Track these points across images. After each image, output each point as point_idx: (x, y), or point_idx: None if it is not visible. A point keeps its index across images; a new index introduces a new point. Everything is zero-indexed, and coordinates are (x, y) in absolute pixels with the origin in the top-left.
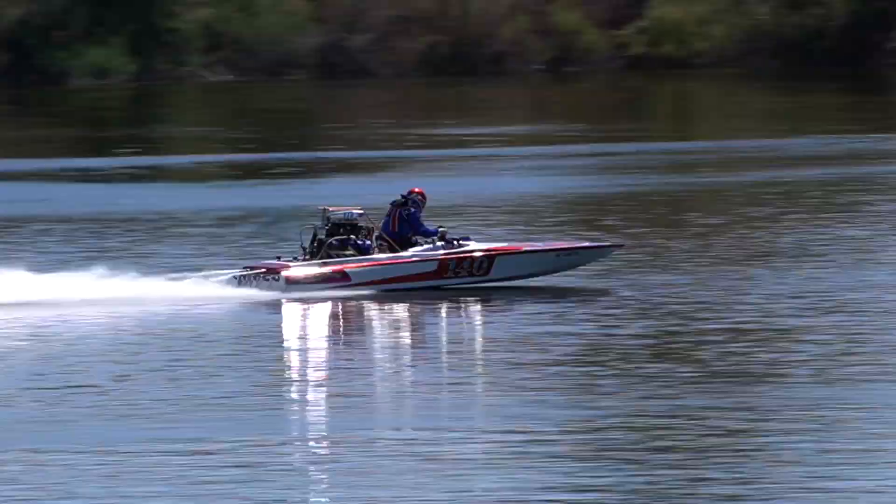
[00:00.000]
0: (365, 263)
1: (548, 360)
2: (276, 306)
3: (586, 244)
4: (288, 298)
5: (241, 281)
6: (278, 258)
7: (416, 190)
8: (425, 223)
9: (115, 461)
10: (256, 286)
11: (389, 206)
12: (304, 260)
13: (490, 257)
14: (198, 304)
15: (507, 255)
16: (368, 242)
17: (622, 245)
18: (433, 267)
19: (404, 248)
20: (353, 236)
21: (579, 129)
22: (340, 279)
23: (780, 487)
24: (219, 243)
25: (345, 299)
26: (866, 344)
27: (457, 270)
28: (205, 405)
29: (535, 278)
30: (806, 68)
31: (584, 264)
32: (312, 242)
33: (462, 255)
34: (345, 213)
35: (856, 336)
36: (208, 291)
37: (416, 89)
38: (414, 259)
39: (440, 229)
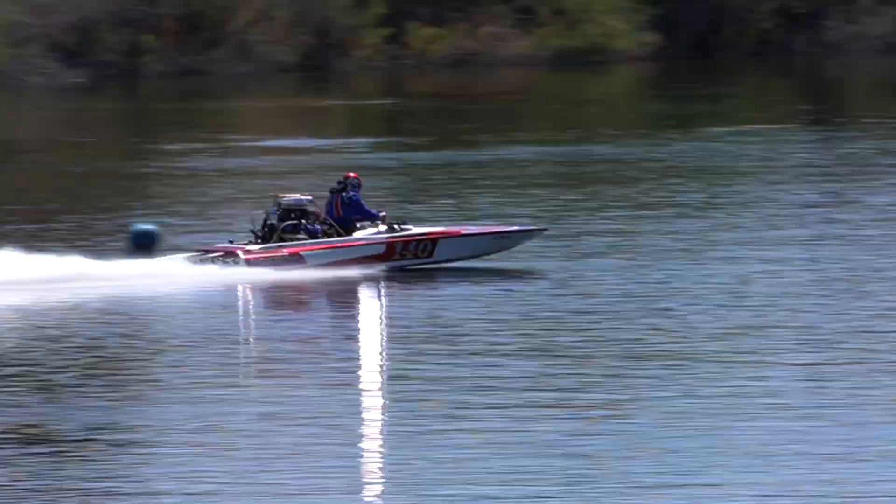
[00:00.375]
0: (318, 246)
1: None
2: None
3: (518, 228)
4: (243, 280)
5: (200, 263)
6: (231, 241)
7: (352, 174)
8: (368, 207)
9: None
10: (220, 267)
11: (329, 194)
12: (255, 243)
13: (433, 240)
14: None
15: (449, 238)
16: (318, 226)
17: (546, 229)
18: (382, 249)
19: (349, 232)
20: (303, 221)
21: None
22: (296, 261)
23: None
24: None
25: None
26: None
27: (403, 252)
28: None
29: (470, 260)
30: None
31: (514, 247)
32: (263, 227)
33: (408, 238)
34: (295, 199)
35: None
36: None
37: None
38: (364, 242)
39: (381, 213)
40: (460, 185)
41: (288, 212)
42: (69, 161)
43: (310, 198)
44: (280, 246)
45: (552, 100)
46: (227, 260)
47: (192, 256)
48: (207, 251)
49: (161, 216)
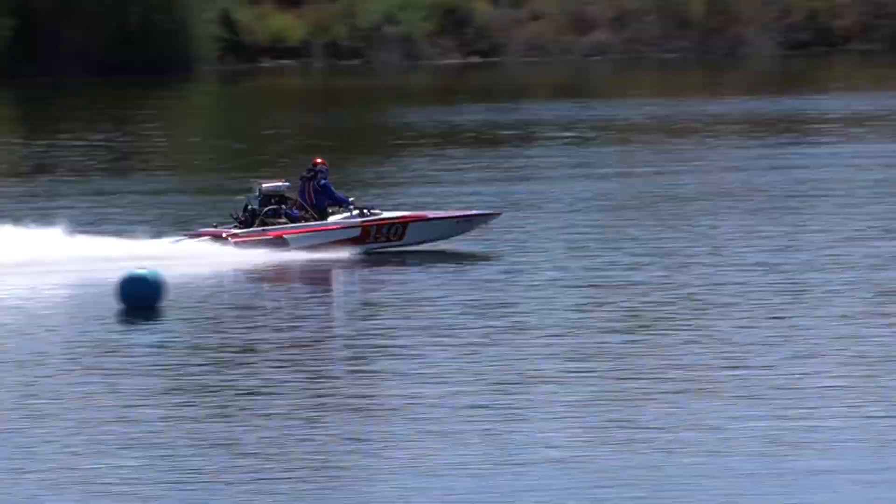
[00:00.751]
0: (300, 230)
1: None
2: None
3: (477, 212)
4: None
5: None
6: (215, 226)
7: (319, 161)
8: (338, 193)
9: None
10: (205, 250)
11: (300, 181)
12: (237, 227)
13: (404, 224)
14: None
15: (418, 222)
16: (296, 211)
17: (500, 213)
18: (358, 233)
19: (323, 217)
20: (282, 206)
21: None
22: (280, 244)
23: None
24: None
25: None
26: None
27: (377, 236)
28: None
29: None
30: None
31: (472, 230)
32: (244, 211)
33: (381, 222)
34: (274, 186)
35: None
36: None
37: None
38: (341, 226)
39: (350, 199)
40: None
41: (268, 198)
42: None
43: (287, 184)
44: (264, 230)
45: None
46: (214, 243)
47: (177, 241)
48: (193, 235)
49: None
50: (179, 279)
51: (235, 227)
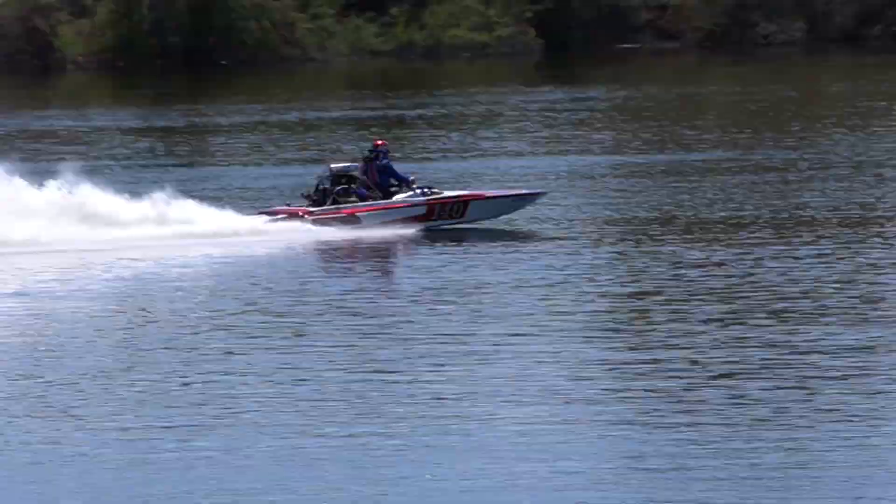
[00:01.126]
0: (370, 208)
1: None
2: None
3: (527, 191)
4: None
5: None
6: (288, 204)
7: (380, 142)
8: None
9: None
10: (283, 227)
11: (362, 162)
12: (309, 206)
13: (465, 202)
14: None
15: (478, 201)
16: (364, 190)
17: (546, 192)
18: (423, 211)
19: (386, 196)
20: (351, 185)
21: None
22: (353, 221)
23: None
24: None
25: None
26: None
27: (440, 213)
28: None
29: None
30: None
31: (524, 208)
32: (316, 190)
33: (444, 201)
34: (344, 166)
35: None
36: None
37: None
38: (408, 203)
39: (411, 177)
40: None
41: (338, 177)
42: None
43: (357, 164)
44: (338, 208)
45: None
46: (292, 221)
47: (254, 217)
48: (270, 213)
49: None
50: (257, 254)
51: (308, 205)
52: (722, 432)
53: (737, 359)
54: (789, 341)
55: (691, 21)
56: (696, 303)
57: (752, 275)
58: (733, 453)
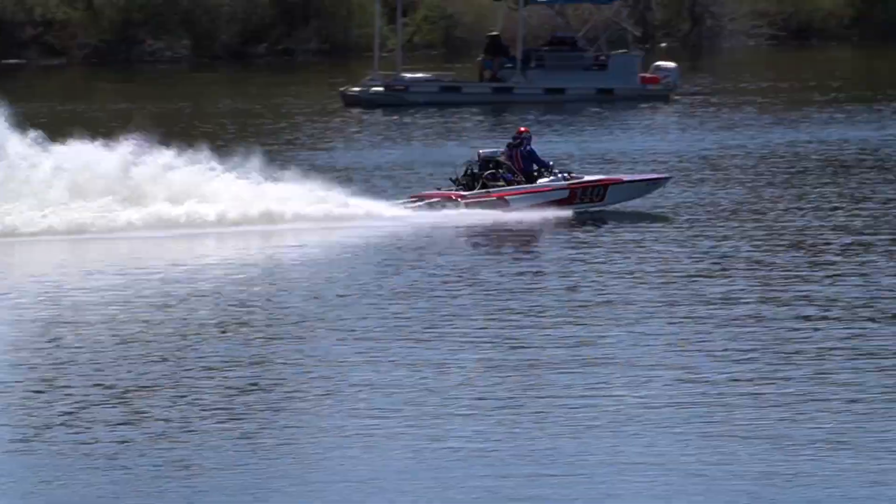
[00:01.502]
0: (518, 192)
1: None
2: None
3: (658, 175)
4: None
5: (429, 206)
6: (439, 188)
7: (523, 129)
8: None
9: None
10: (437, 211)
11: (507, 149)
12: (458, 189)
13: (605, 186)
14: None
15: (617, 185)
16: (510, 175)
17: (672, 177)
18: (566, 194)
19: (530, 180)
20: (499, 170)
21: None
22: (502, 204)
23: None
24: None
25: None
26: None
27: (582, 197)
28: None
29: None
30: None
31: (654, 192)
32: (465, 175)
33: (585, 185)
34: (491, 152)
35: None
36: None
37: None
38: (553, 188)
39: (551, 163)
40: None
41: (486, 162)
42: None
43: (502, 150)
44: (488, 191)
45: None
46: (446, 204)
47: (406, 202)
48: (423, 197)
49: None
50: (410, 235)
51: (457, 189)
52: None
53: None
54: None
55: (77, 37)
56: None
57: None
58: None
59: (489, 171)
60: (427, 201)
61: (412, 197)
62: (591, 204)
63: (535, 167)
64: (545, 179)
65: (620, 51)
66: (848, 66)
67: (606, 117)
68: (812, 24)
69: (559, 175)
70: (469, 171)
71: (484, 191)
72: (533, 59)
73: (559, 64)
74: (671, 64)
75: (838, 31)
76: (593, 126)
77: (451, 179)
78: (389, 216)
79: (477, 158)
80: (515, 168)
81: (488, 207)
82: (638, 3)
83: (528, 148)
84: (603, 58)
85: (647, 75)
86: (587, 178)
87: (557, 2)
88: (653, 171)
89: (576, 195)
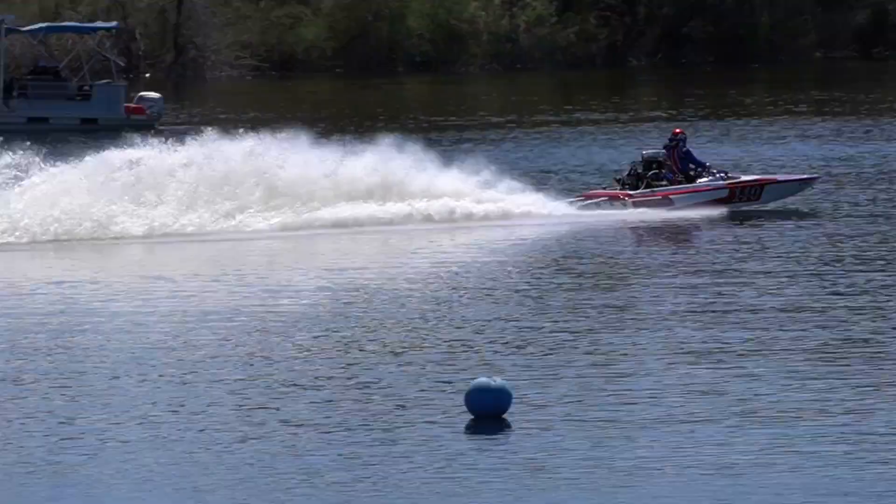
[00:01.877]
0: (681, 191)
1: None
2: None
3: (808, 175)
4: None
5: (598, 206)
6: (604, 188)
7: (678, 131)
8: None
9: None
10: (604, 209)
11: (664, 150)
12: (622, 189)
13: (761, 185)
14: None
15: (772, 184)
16: (671, 175)
17: (819, 177)
18: (726, 193)
19: (688, 180)
20: (662, 170)
21: None
22: (667, 203)
23: None
24: None
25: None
26: None
27: (740, 196)
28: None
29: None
30: None
31: (801, 192)
32: (629, 174)
33: (743, 184)
34: (654, 152)
35: None
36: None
37: None
38: (713, 187)
39: (707, 163)
40: None
41: (650, 163)
42: None
43: (664, 151)
44: (653, 190)
45: None
46: (613, 203)
47: (573, 201)
48: (591, 196)
49: None
50: (580, 234)
51: (620, 189)
52: None
53: None
54: None
55: None
56: None
57: None
58: None
59: (653, 172)
60: (595, 200)
61: (579, 196)
62: (748, 202)
63: (692, 167)
64: (703, 179)
65: (105, 81)
66: (330, 96)
67: (90, 146)
68: (295, 56)
69: (717, 174)
70: (633, 171)
71: (649, 190)
72: (15, 88)
73: (42, 93)
74: (155, 94)
75: (321, 63)
76: (74, 156)
77: (615, 179)
78: (560, 214)
79: (640, 159)
80: (675, 168)
81: (654, 206)
82: (122, 34)
83: (684, 149)
84: (87, 87)
85: (132, 105)
86: (744, 177)
87: (40, 32)
88: (802, 171)
89: (734, 194)
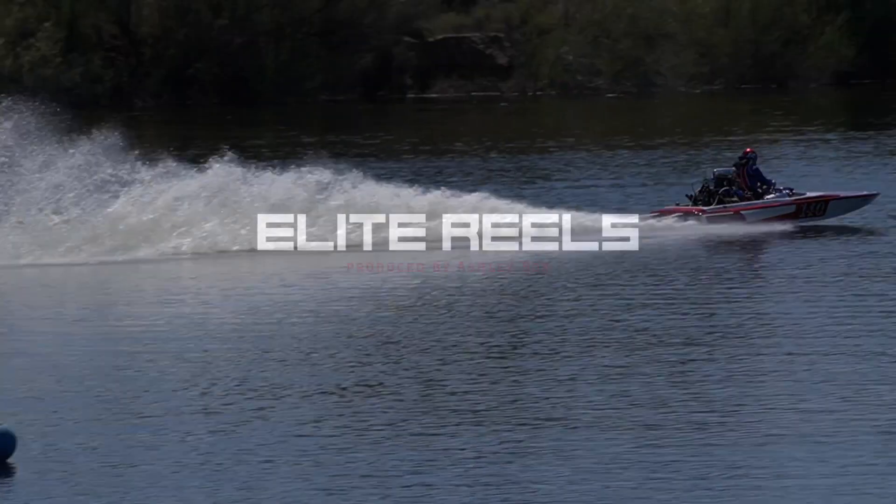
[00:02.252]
0: (751, 206)
1: None
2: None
3: (869, 192)
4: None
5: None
6: (677, 204)
7: (749, 150)
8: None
9: None
10: (678, 224)
11: (734, 168)
12: (694, 205)
13: (826, 202)
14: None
15: (836, 200)
16: (741, 191)
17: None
18: (793, 209)
19: (757, 197)
20: (732, 187)
21: None
22: (738, 218)
23: None
24: None
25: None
26: None
27: (806, 212)
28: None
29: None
30: None
31: (861, 208)
32: (701, 191)
33: (809, 200)
34: (725, 170)
35: None
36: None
37: None
38: (781, 203)
39: (773, 181)
40: None
41: (721, 180)
42: None
43: (734, 169)
44: (725, 206)
45: None
46: (688, 218)
47: (644, 216)
48: (665, 212)
49: None
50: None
51: (692, 204)
52: None
53: None
54: None
55: None
56: None
57: None
58: None
59: (724, 188)
60: (670, 216)
61: (655, 212)
62: (813, 218)
63: (760, 184)
64: (770, 196)
65: None
66: None
67: None
68: None
69: (783, 191)
70: (705, 187)
71: (721, 206)
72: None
73: None
74: None
75: None
76: None
77: (687, 196)
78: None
79: (712, 176)
80: (743, 185)
81: (726, 221)
82: None
83: (754, 167)
84: None
85: None
86: (809, 193)
87: None
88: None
89: (801, 210)
